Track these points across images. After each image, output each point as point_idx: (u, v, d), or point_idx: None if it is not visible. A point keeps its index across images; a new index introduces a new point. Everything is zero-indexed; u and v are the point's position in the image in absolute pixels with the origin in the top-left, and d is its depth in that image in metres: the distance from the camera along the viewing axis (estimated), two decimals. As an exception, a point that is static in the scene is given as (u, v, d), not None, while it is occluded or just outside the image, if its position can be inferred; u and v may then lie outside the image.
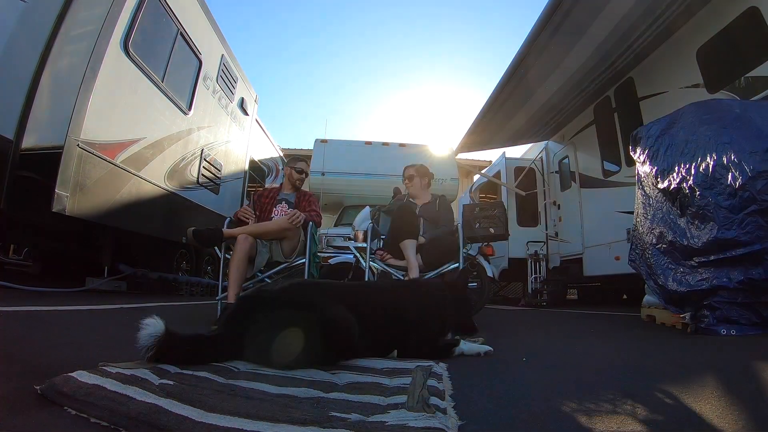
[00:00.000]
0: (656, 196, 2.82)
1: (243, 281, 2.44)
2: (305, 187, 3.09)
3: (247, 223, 2.64)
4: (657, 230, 2.75)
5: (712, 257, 2.37)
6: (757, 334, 2.23)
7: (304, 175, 3.00)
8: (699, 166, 2.47)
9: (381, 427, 0.75)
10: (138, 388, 0.87)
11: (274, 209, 2.81)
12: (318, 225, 2.89)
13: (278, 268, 2.60)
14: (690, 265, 2.51)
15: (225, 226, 2.66)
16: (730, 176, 2.30)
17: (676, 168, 2.61)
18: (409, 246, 2.51)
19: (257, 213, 2.79)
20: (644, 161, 2.93)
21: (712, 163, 2.40)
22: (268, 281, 2.75)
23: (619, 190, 4.72)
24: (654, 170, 2.81)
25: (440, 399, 0.96)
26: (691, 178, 2.49)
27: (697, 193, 2.45)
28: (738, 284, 2.27)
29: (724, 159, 2.34)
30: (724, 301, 2.33)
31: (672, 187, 2.63)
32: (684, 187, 2.54)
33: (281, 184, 3.07)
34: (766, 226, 2.19)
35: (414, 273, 2.38)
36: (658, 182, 2.77)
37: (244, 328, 1.20)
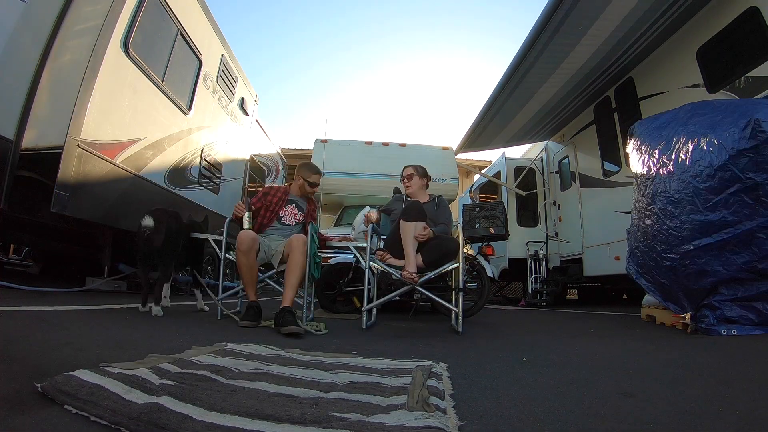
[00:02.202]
0: (645, 189, 2.81)
1: (256, 278, 2.48)
2: None
3: (241, 219, 2.60)
4: (646, 222, 2.73)
5: (697, 244, 2.34)
6: (757, 334, 2.23)
7: (316, 189, 2.94)
8: (678, 153, 2.45)
9: (381, 428, 0.75)
10: (139, 387, 0.87)
11: (284, 209, 2.76)
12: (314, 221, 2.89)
13: (276, 270, 2.60)
14: (681, 251, 2.46)
15: (225, 227, 2.66)
16: (708, 158, 2.27)
17: (663, 159, 2.60)
18: (408, 233, 2.45)
19: (262, 211, 2.71)
20: (636, 156, 2.93)
21: (692, 147, 2.37)
22: (270, 282, 2.76)
23: (619, 190, 4.72)
24: (643, 163, 2.80)
25: (440, 399, 0.96)
26: (670, 164, 2.48)
27: (674, 177, 2.43)
28: (734, 270, 2.24)
29: (704, 142, 2.31)
30: (724, 300, 2.32)
31: (653, 173, 2.61)
32: (662, 174, 2.52)
33: (290, 184, 2.99)
34: (753, 204, 2.15)
35: (411, 267, 2.37)
36: (646, 174, 2.76)
37: None
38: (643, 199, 2.78)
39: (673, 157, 2.48)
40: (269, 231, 2.71)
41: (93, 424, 0.74)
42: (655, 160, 2.63)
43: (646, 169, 2.76)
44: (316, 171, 2.93)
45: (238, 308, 2.93)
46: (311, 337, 2.09)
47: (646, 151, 2.81)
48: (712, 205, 2.26)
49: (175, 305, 2.94)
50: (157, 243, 2.50)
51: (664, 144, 2.62)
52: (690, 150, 2.38)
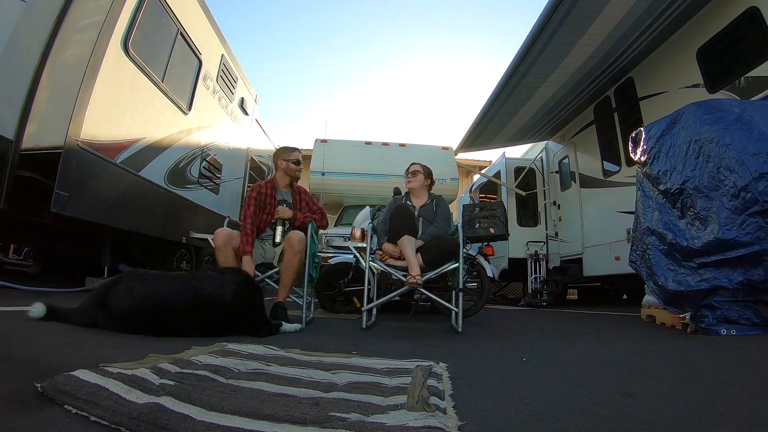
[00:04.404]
0: (656, 198, 2.83)
1: None
2: (305, 187, 3.02)
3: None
4: (658, 231, 2.76)
5: (712, 258, 2.37)
6: (757, 334, 2.23)
7: (301, 166, 2.77)
8: (702, 167, 2.48)
9: (381, 428, 0.75)
10: (139, 387, 0.87)
11: (275, 211, 2.70)
12: (324, 227, 2.83)
13: (273, 270, 2.59)
14: (690, 266, 2.51)
15: (225, 226, 2.65)
16: (733, 178, 2.31)
17: (679, 170, 2.62)
18: (407, 243, 2.49)
19: (259, 213, 2.61)
20: (645, 162, 2.93)
21: (716, 164, 2.41)
22: (269, 281, 2.76)
23: (619, 190, 4.72)
24: (655, 172, 2.81)
25: (440, 399, 0.96)
26: (695, 179, 2.50)
27: (702, 194, 2.46)
28: (738, 285, 2.28)
29: (727, 161, 2.35)
30: (724, 300, 2.33)
31: (674, 188, 2.63)
32: (687, 189, 2.55)
33: (273, 178, 2.78)
34: (767, 227, 2.20)
35: (415, 271, 2.37)
36: (659, 184, 2.77)
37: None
38: (660, 206, 2.79)
39: (697, 172, 2.52)
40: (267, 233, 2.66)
41: (93, 424, 0.74)
42: (678, 175, 2.63)
43: (660, 178, 2.76)
44: (293, 149, 2.77)
45: None
46: (311, 337, 2.09)
47: (657, 159, 2.81)
48: (731, 224, 2.29)
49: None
50: None
51: (683, 156, 2.63)
52: (714, 167, 2.42)
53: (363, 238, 3.00)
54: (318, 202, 2.89)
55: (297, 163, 2.74)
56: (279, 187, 2.73)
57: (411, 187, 2.96)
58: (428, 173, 3.00)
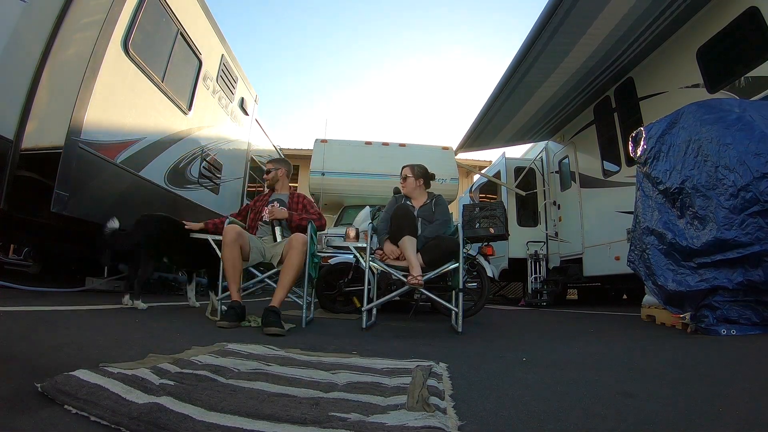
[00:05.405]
0: (656, 197, 2.83)
1: (240, 276, 2.43)
2: (305, 187, 3.10)
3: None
4: (657, 231, 2.76)
5: (711, 258, 2.37)
6: (757, 334, 2.23)
7: (269, 174, 2.98)
8: (701, 167, 2.48)
9: (381, 428, 0.75)
10: (139, 387, 0.87)
11: (264, 209, 2.81)
12: (322, 227, 2.86)
13: (275, 269, 2.59)
14: (690, 266, 2.51)
15: (226, 225, 2.66)
16: (732, 177, 2.30)
17: (678, 169, 2.62)
18: (408, 244, 2.49)
19: (251, 214, 2.84)
20: (645, 162, 2.93)
21: (714, 163, 2.41)
22: (269, 282, 2.76)
23: (619, 190, 4.72)
24: (655, 171, 2.81)
25: (440, 399, 0.96)
26: (694, 179, 2.50)
27: (699, 193, 2.46)
28: (737, 285, 2.27)
29: (727, 160, 2.35)
30: (724, 300, 2.33)
31: (674, 188, 2.63)
32: (686, 188, 2.55)
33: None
34: (766, 228, 2.20)
35: (416, 271, 2.37)
36: (659, 183, 2.77)
37: None
38: (659, 206, 2.79)
39: (696, 171, 2.51)
40: (259, 233, 2.76)
41: (93, 424, 0.74)
42: (677, 174, 2.63)
43: (660, 177, 2.76)
44: (270, 159, 3.15)
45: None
46: (311, 337, 2.09)
47: (657, 159, 2.81)
48: (729, 224, 2.28)
49: (175, 305, 2.94)
50: (123, 243, 2.76)
51: (682, 155, 2.62)
52: (713, 166, 2.41)
53: (357, 237, 3.00)
54: (316, 206, 2.99)
55: (267, 172, 3.04)
56: (277, 190, 2.98)
57: (405, 192, 2.99)
58: (420, 173, 2.98)
